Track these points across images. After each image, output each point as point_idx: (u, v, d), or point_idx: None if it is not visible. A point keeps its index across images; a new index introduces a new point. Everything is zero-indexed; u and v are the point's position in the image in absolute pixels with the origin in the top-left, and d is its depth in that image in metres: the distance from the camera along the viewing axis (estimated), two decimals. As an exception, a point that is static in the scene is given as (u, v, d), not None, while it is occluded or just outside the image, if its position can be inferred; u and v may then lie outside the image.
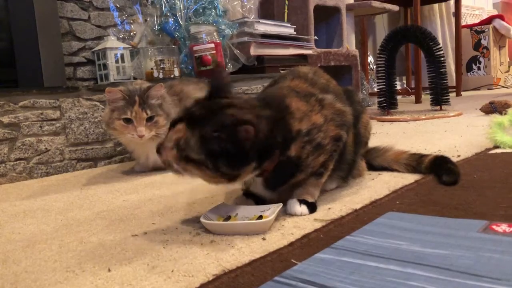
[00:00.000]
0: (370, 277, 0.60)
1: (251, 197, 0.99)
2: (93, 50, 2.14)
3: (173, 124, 0.85)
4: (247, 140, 0.78)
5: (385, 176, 1.21)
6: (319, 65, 2.85)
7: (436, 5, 4.92)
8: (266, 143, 0.83)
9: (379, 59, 2.86)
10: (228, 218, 0.90)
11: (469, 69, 5.15)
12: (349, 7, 3.34)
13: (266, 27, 2.55)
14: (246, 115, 0.81)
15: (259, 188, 0.94)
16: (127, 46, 2.15)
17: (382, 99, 2.85)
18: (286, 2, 2.90)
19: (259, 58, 2.50)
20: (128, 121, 1.49)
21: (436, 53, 2.77)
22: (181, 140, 0.81)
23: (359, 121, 1.11)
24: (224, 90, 0.88)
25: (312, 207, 0.94)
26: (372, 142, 1.26)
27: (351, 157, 1.08)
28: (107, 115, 1.53)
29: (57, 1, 2.02)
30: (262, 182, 0.92)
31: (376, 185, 1.12)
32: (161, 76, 2.10)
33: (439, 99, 2.83)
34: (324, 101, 0.96)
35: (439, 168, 1.14)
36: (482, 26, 5.06)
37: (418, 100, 3.74)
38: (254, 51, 2.45)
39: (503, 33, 5.05)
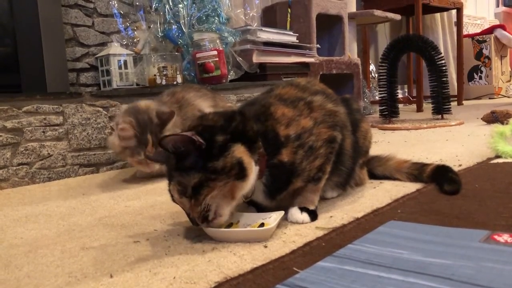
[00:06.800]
0: (372, 286, 0.60)
1: (252, 204, 0.99)
2: (97, 56, 2.15)
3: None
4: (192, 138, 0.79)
5: (387, 184, 1.21)
6: (321, 73, 2.86)
7: (438, 15, 4.94)
8: (228, 124, 0.84)
9: (381, 67, 2.87)
10: (230, 225, 0.90)
11: (470, 78, 5.15)
12: (351, 16, 3.35)
13: (269, 35, 2.56)
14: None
15: (260, 197, 0.93)
16: (131, 52, 2.16)
17: (383, 107, 2.86)
18: (289, 10, 2.92)
19: (262, 65, 2.51)
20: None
21: (437, 62, 2.78)
22: (182, 191, 0.82)
23: (358, 129, 1.10)
24: None
25: (313, 215, 0.94)
26: (374, 151, 1.27)
27: (349, 163, 1.06)
28: (117, 148, 1.50)
29: (62, 7, 2.04)
30: (262, 190, 0.92)
31: (377, 194, 1.12)
32: (163, 82, 2.11)
33: (441, 108, 2.83)
34: (313, 103, 0.96)
35: (440, 177, 1.14)
36: (484, 36, 5.08)
37: (419, 109, 3.75)
38: (256, 58, 2.46)
39: (504, 42, 5.07)
